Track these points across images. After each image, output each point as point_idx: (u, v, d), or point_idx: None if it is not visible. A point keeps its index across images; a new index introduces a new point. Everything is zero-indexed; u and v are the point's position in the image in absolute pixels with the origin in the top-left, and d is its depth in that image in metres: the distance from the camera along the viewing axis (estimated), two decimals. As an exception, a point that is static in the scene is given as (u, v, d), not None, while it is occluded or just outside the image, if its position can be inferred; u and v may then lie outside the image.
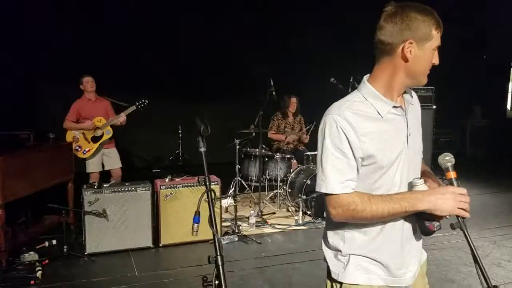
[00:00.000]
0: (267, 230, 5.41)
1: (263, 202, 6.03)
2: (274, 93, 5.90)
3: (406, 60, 1.61)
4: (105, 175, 5.88)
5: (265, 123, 6.44)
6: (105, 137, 5.70)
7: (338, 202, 1.61)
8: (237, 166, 6.39)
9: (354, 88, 6.32)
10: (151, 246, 4.77)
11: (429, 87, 7.43)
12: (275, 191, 6.34)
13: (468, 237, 1.56)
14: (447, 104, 8.77)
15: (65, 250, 4.49)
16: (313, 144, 7.01)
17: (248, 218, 5.54)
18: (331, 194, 1.62)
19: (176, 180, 4.98)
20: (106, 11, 8.28)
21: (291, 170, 6.26)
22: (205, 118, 1.91)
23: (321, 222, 5.62)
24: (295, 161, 6.53)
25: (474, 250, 1.54)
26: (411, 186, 1.66)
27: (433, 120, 7.54)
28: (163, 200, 4.82)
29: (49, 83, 8.28)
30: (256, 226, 5.45)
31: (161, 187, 4.83)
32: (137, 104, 5.70)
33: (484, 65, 10.92)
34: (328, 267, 1.78)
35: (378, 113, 1.64)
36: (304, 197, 5.62)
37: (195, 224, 2.03)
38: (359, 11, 9.68)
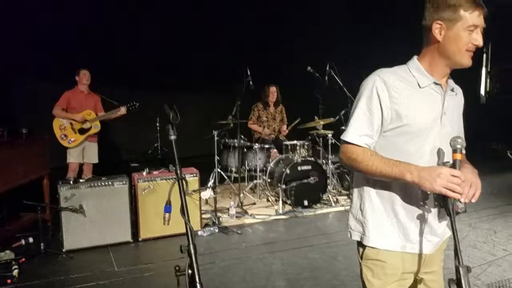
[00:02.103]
0: (247, 220, 5.41)
1: (243, 193, 6.02)
2: (251, 82, 5.88)
3: (437, 40, 1.73)
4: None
5: (244, 113, 6.42)
6: (93, 131, 5.78)
7: (346, 148, 1.79)
8: (216, 158, 6.36)
9: (330, 76, 6.37)
10: (130, 240, 4.72)
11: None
12: (254, 182, 6.34)
13: (452, 218, 1.59)
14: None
15: (42, 247, 4.41)
16: (293, 134, 7.05)
17: (228, 209, 5.53)
18: (345, 141, 1.79)
19: (154, 173, 4.93)
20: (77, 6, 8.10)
21: (270, 160, 6.26)
22: (174, 105, 1.88)
23: (301, 211, 5.65)
24: (275, 150, 6.53)
25: (454, 231, 1.57)
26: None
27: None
28: (141, 193, 4.77)
29: (23, 79, 8.11)
30: (237, 217, 5.44)
31: (139, 180, 4.78)
32: (128, 105, 5.80)
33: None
34: (351, 234, 1.95)
35: (418, 84, 1.77)
36: (283, 186, 5.63)
37: (166, 214, 2.02)
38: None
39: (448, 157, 1.79)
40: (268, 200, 6.09)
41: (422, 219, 1.79)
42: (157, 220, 4.80)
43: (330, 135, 6.38)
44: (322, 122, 6.39)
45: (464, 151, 1.88)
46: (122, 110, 5.80)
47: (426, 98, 1.76)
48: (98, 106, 5.94)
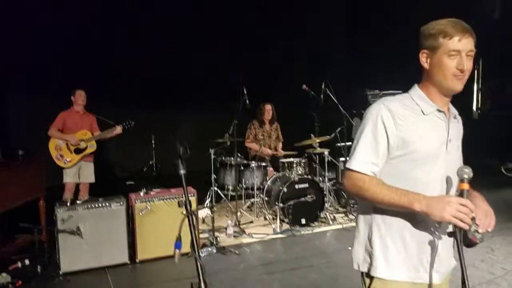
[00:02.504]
0: (245, 240, 5.38)
1: (240, 212, 6.00)
2: (247, 101, 5.91)
3: (426, 69, 1.81)
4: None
5: (240, 131, 6.44)
6: (88, 151, 5.78)
7: (351, 175, 1.79)
8: (213, 176, 6.35)
9: (325, 94, 6.42)
10: (128, 262, 4.68)
11: (397, 91, 7.55)
12: (252, 200, 6.33)
13: (459, 247, 1.61)
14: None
15: (39, 270, 4.36)
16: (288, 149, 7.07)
17: (225, 228, 5.50)
18: (350, 169, 1.80)
19: (151, 193, 4.91)
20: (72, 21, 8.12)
21: (267, 178, 6.26)
22: (185, 141, 1.90)
23: (299, 230, 5.64)
24: (271, 168, 6.54)
25: (462, 261, 1.61)
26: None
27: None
28: (139, 214, 4.74)
29: (19, 97, 8.10)
30: (234, 236, 5.42)
31: (136, 201, 4.76)
32: (124, 124, 5.82)
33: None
34: (358, 265, 1.93)
35: (422, 111, 1.80)
36: (281, 205, 5.63)
37: (177, 250, 2.00)
38: (329, 18, 9.88)
39: (455, 185, 1.81)
40: (265, 219, 6.07)
41: (431, 249, 1.79)
42: (154, 241, 4.77)
43: (326, 153, 6.40)
44: (318, 140, 6.41)
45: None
46: (118, 129, 5.81)
47: (431, 125, 1.79)
48: (93, 126, 5.97)
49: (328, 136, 6.54)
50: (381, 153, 1.77)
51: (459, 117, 1.95)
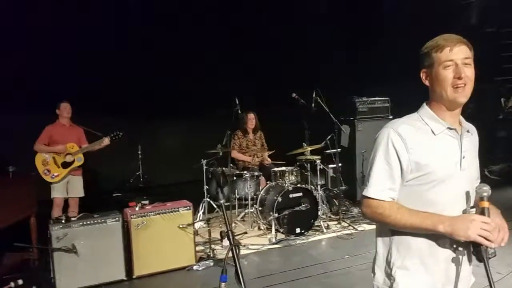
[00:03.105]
0: (241, 251, 5.30)
1: (234, 222, 5.97)
2: (240, 111, 5.89)
3: (428, 87, 1.84)
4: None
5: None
6: (76, 164, 5.66)
7: (369, 203, 1.80)
8: (205, 187, 6.30)
9: (316, 103, 6.44)
10: (125, 278, 4.59)
11: (385, 98, 7.66)
12: (245, 210, 6.30)
13: (487, 266, 1.63)
14: (403, 114, 9.04)
15: (33, 290, 4.25)
16: (280, 160, 7.07)
17: (221, 240, 5.45)
18: (367, 197, 1.80)
19: (147, 207, 4.84)
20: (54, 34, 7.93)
21: (260, 188, 6.25)
22: (224, 168, 1.88)
23: (294, 239, 5.63)
24: (263, 178, 6.52)
25: (490, 280, 1.62)
26: (465, 213, 1.76)
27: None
28: (135, 229, 4.67)
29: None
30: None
31: (132, 216, 4.68)
32: (112, 135, 5.70)
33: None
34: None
35: (432, 131, 1.79)
36: (276, 215, 5.61)
37: (223, 284, 1.96)
38: (318, 25, 9.92)
39: (472, 202, 1.81)
40: (259, 229, 6.05)
41: (451, 268, 1.79)
42: (152, 256, 4.71)
43: (318, 161, 6.42)
44: (309, 148, 6.43)
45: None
46: (106, 141, 5.70)
47: (442, 144, 1.78)
48: (81, 139, 5.86)
49: (319, 145, 6.56)
50: (397, 177, 1.77)
51: (473, 130, 1.94)
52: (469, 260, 1.82)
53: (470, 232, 1.61)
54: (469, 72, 1.74)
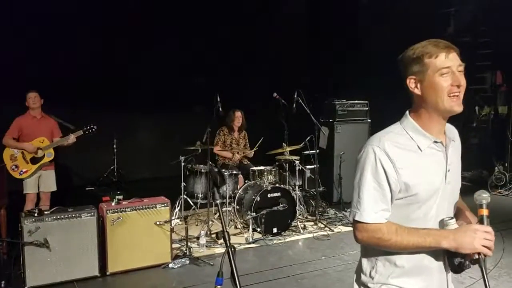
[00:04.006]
0: (218, 250, 5.29)
1: (211, 220, 5.91)
2: (221, 109, 5.83)
3: (418, 95, 1.70)
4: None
5: (212, 138, 6.35)
6: (46, 160, 5.41)
7: (365, 227, 1.69)
8: (183, 184, 6.21)
9: (298, 103, 6.44)
10: (98, 275, 4.49)
11: (364, 101, 7.72)
12: (223, 209, 6.24)
13: (485, 275, 1.61)
14: (382, 118, 9.15)
15: (2, 285, 4.09)
16: (257, 159, 7.04)
17: (197, 238, 5.40)
18: (360, 221, 1.69)
19: (123, 203, 4.74)
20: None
21: (238, 187, 6.20)
22: (222, 170, 1.83)
23: (271, 239, 5.62)
24: (241, 176, 6.49)
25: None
26: (442, 224, 1.70)
27: (368, 133, 7.86)
28: (110, 225, 4.56)
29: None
30: (206, 246, 5.32)
31: (108, 211, 4.57)
32: (85, 129, 5.45)
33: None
34: None
35: (418, 147, 1.70)
36: (253, 214, 5.58)
37: (218, 286, 1.90)
38: (298, 29, 9.95)
39: (448, 212, 1.76)
40: (236, 228, 6.01)
41: (436, 280, 1.76)
42: (127, 252, 4.62)
43: (297, 162, 6.43)
44: (288, 149, 6.43)
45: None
46: (72, 138, 5.39)
47: (429, 161, 1.71)
48: (55, 131, 5.60)
49: (299, 145, 6.57)
50: (388, 197, 1.69)
51: (456, 135, 1.87)
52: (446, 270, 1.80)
53: (476, 244, 1.57)
54: (464, 80, 1.67)
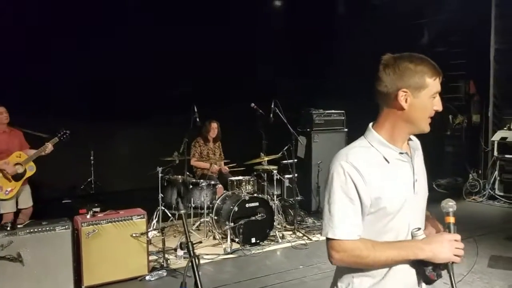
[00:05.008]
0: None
1: (189, 231, 5.86)
2: (198, 119, 5.84)
3: (402, 108, 1.67)
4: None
5: (189, 149, 6.35)
6: (28, 174, 5.29)
7: (342, 247, 1.64)
8: (160, 195, 6.17)
9: (275, 114, 6.49)
10: (73, 289, 4.42)
11: (340, 111, 7.82)
12: (201, 219, 6.22)
13: (453, 280, 1.64)
14: (358, 127, 9.25)
15: (-28, 302, 3.99)
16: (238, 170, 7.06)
17: (175, 249, 5.36)
18: (333, 239, 1.65)
19: (99, 215, 4.68)
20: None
21: (217, 197, 6.20)
22: (188, 179, 1.83)
23: (249, 249, 5.61)
24: (220, 186, 6.49)
25: None
26: (410, 236, 1.70)
27: (345, 142, 7.94)
28: (85, 238, 4.50)
29: None
30: (184, 258, 5.28)
31: (83, 224, 4.51)
32: (59, 135, 5.35)
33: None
34: None
35: (385, 159, 1.70)
36: (232, 224, 5.58)
37: None
38: (276, 39, 10.02)
39: (419, 223, 1.76)
40: (214, 238, 5.98)
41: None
42: (102, 265, 4.56)
43: (275, 171, 6.46)
44: (266, 158, 6.46)
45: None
46: (49, 147, 5.26)
47: (397, 172, 1.71)
48: (22, 143, 5.46)
49: (277, 155, 6.61)
50: (359, 211, 1.66)
51: (418, 144, 1.87)
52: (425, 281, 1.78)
53: (450, 253, 1.60)
54: None
